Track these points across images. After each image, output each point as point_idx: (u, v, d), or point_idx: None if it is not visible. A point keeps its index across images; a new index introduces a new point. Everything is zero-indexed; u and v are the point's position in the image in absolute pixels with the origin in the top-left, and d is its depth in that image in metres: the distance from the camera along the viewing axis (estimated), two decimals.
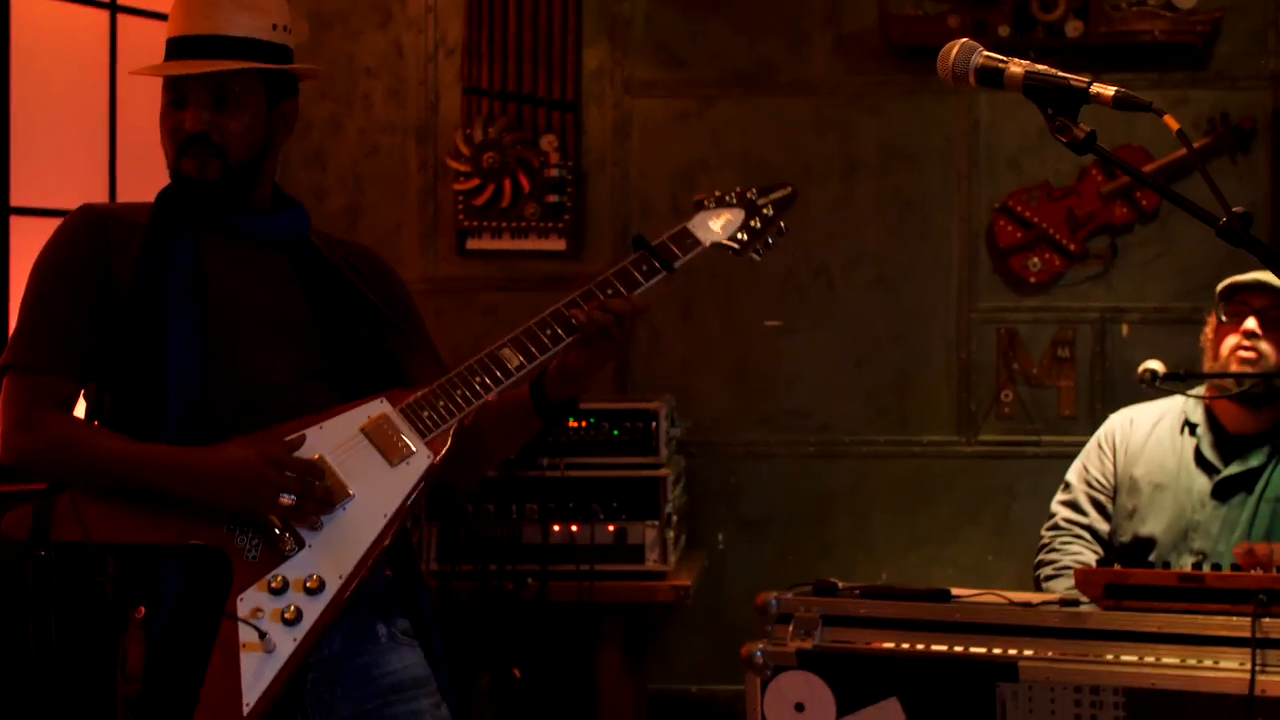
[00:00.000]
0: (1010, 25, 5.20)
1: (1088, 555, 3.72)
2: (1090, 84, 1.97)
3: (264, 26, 2.68)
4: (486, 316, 5.38)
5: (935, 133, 5.40)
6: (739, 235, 2.78)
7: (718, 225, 2.77)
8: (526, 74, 5.39)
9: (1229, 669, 2.85)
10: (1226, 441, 3.71)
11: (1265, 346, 3.61)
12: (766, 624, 3.19)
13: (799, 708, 3.10)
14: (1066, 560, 3.73)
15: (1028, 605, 3.10)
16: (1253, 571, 3.01)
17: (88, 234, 2.64)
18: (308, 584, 2.49)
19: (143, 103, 4.86)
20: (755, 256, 2.79)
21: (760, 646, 3.14)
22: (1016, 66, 2.06)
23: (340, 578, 2.50)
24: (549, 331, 2.61)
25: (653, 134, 5.47)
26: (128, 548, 2.47)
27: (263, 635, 2.42)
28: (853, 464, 5.42)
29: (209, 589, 2.47)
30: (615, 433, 4.65)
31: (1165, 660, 2.91)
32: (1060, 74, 2.01)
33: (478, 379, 2.60)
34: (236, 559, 2.48)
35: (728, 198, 2.81)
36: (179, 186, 2.68)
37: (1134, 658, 2.93)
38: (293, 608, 2.46)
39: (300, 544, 2.51)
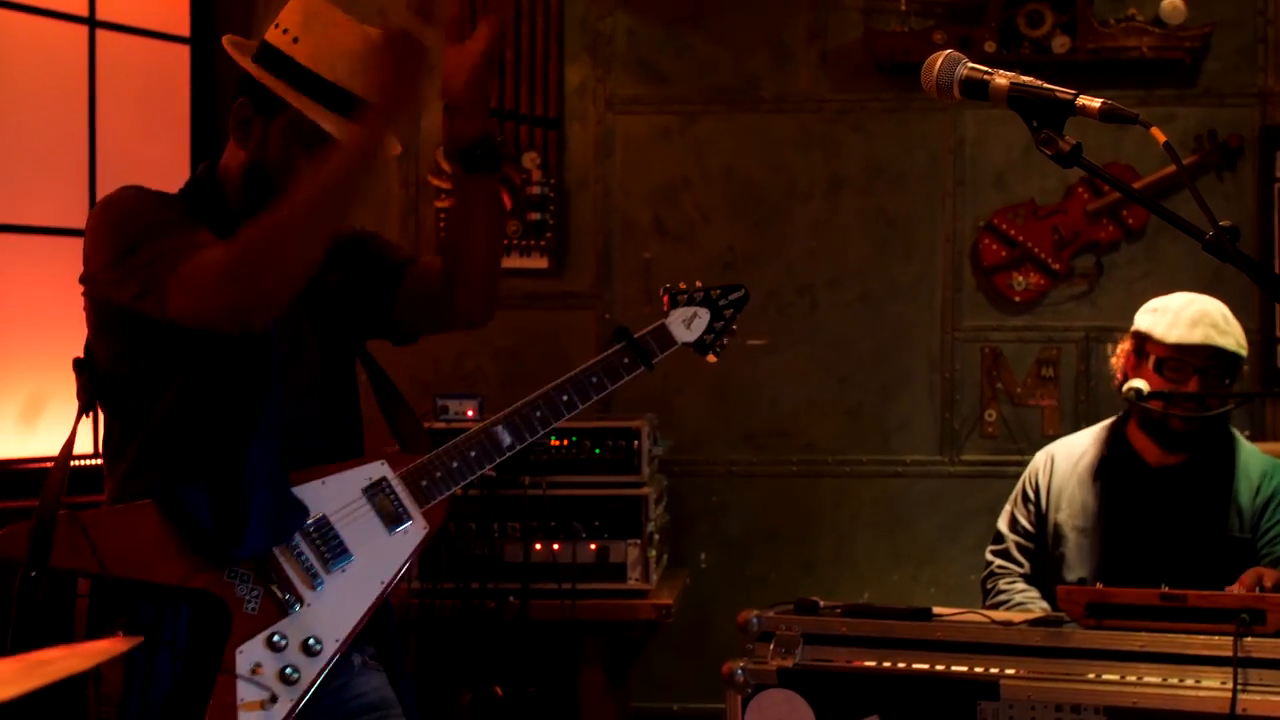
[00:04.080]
0: (996, 41, 5.19)
1: (1034, 593, 3.71)
2: (1076, 96, 1.95)
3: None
4: (469, 335, 5.33)
5: (920, 150, 5.39)
6: (705, 336, 3.02)
7: (690, 325, 3.01)
8: (508, 90, 5.37)
9: (1211, 688, 2.84)
10: (1147, 477, 3.68)
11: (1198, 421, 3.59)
12: (748, 642, 3.17)
13: None
14: (1018, 598, 3.71)
15: (1009, 624, 3.08)
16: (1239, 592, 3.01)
17: (164, 196, 2.59)
18: (307, 644, 2.51)
19: (122, 119, 4.84)
20: (714, 356, 3.05)
21: (741, 665, 3.12)
22: (1002, 78, 2.04)
23: (336, 641, 2.54)
24: (539, 414, 2.75)
25: (635, 151, 5.45)
26: (130, 583, 2.45)
27: (274, 698, 2.45)
28: (835, 483, 5.39)
29: (208, 638, 2.47)
30: (597, 451, 4.62)
31: (1147, 679, 2.89)
32: (1046, 85, 1.99)
33: (473, 454, 2.70)
34: (236, 609, 2.48)
35: (696, 295, 3.02)
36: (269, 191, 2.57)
37: (1116, 676, 2.91)
38: (292, 668, 2.49)
39: (300, 600, 2.52)
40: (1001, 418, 5.34)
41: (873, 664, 3.06)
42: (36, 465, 4.61)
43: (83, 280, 2.57)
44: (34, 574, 2.40)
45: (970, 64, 2.09)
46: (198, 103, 5.15)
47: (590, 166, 5.44)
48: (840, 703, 3.04)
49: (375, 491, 2.64)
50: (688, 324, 3.00)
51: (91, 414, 2.61)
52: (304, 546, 2.56)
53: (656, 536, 4.71)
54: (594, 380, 2.80)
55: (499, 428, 2.72)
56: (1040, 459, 3.86)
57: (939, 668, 3.02)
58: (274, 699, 2.46)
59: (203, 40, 5.15)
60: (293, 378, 2.61)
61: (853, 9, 5.36)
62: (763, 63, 5.43)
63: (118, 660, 2.44)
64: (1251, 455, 3.69)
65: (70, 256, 4.62)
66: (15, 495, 4.49)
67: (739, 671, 3.10)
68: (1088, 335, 5.32)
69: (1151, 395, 3.56)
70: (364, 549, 2.60)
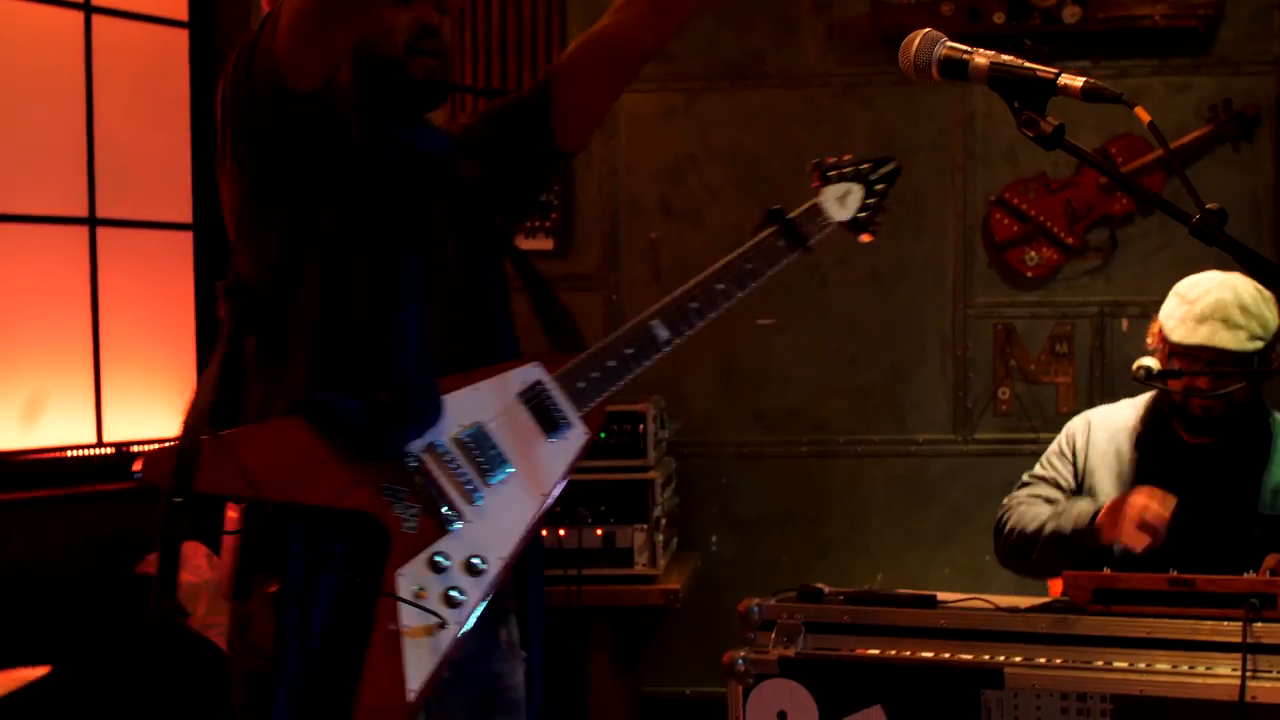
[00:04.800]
0: (1005, 12, 5.10)
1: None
2: (1058, 75, 1.88)
3: None
4: None
5: (929, 124, 5.31)
6: (859, 214, 2.81)
7: (843, 202, 2.80)
8: (511, 69, 5.31)
9: (1219, 675, 2.76)
10: (1183, 452, 3.62)
11: (1216, 402, 3.51)
12: (749, 631, 3.11)
13: (781, 716, 3.02)
14: (1055, 508, 3.62)
15: (1015, 610, 3.01)
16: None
17: None
18: (470, 563, 2.33)
19: (120, 106, 4.80)
20: (869, 236, 2.83)
21: (742, 654, 3.06)
22: (981, 57, 1.97)
23: (500, 559, 2.36)
24: (695, 305, 2.58)
25: (640, 129, 5.38)
26: (281, 506, 2.27)
27: (441, 624, 2.27)
28: (847, 464, 5.33)
29: (367, 560, 2.30)
30: (602, 435, 4.55)
31: (1154, 666, 2.82)
32: (1027, 65, 1.92)
33: (629, 350, 2.52)
34: (394, 528, 2.30)
35: (846, 170, 2.82)
36: (402, 87, 2.49)
37: (1123, 663, 2.84)
38: (457, 589, 2.31)
39: (459, 516, 2.35)
40: (1015, 395, 5.26)
41: (876, 652, 3.00)
42: (39, 456, 4.59)
43: (217, 160, 2.44)
44: (180, 500, 2.20)
45: (949, 43, 2.02)
46: (197, 88, 5.09)
47: (595, 145, 5.36)
48: (842, 692, 2.98)
49: (531, 396, 2.45)
50: (841, 201, 2.79)
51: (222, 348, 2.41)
52: (460, 458, 2.37)
53: (664, 521, 4.65)
54: (749, 267, 2.62)
55: (654, 321, 2.55)
56: (1078, 423, 3.78)
57: (943, 656, 2.96)
58: (441, 624, 2.28)
59: (202, 24, 5.09)
60: (438, 287, 2.45)
61: None
62: (767, 38, 5.35)
63: (264, 601, 2.30)
64: None
65: (72, 246, 4.68)
66: (17, 487, 4.47)
67: (740, 661, 3.04)
68: (1102, 310, 5.23)
69: (1161, 374, 3.48)
70: (523, 459, 2.41)
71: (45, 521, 4.45)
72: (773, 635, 3.08)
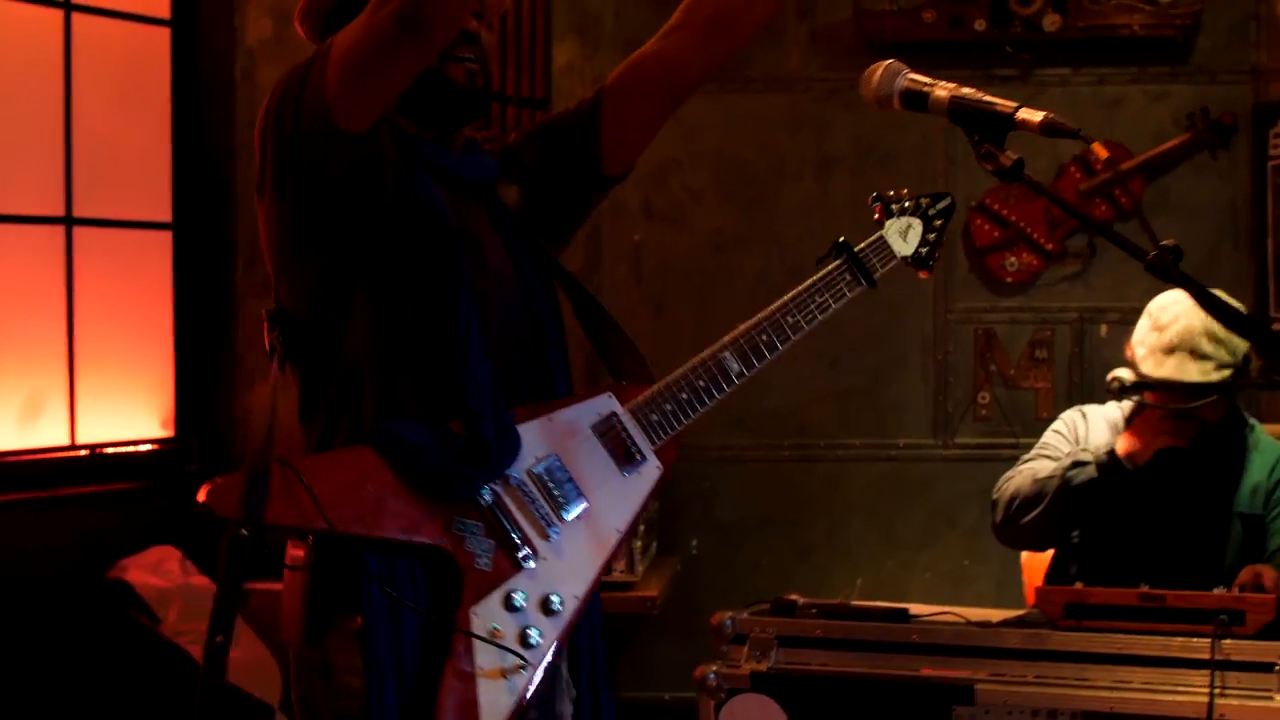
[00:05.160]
0: (986, 19, 5.11)
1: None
2: (1016, 110, 1.88)
3: None
4: None
5: (911, 130, 5.30)
6: (920, 250, 2.81)
7: (905, 237, 2.79)
8: (495, 72, 5.28)
9: (1188, 691, 2.78)
10: (1164, 454, 3.63)
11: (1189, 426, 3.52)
12: (721, 644, 3.12)
13: None
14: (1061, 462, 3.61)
15: (986, 625, 3.02)
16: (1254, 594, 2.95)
17: None
18: (546, 603, 2.24)
19: (100, 104, 4.78)
20: (927, 272, 2.83)
21: (714, 669, 3.06)
22: (942, 90, 1.98)
23: (576, 598, 2.26)
24: (765, 338, 2.54)
25: None
26: (352, 538, 2.15)
27: (518, 666, 2.18)
28: (828, 468, 5.33)
29: (439, 597, 2.20)
30: None
31: (1124, 682, 2.83)
32: (986, 99, 1.92)
33: (701, 383, 2.45)
34: (467, 565, 2.20)
35: (907, 205, 2.82)
36: (441, 95, 2.39)
37: (1093, 680, 2.85)
38: (532, 629, 2.22)
39: (534, 553, 2.25)
40: (995, 400, 5.27)
41: (847, 668, 3.01)
42: (11, 460, 4.57)
43: (257, 187, 2.35)
44: (246, 532, 2.07)
45: (910, 75, 2.03)
46: (179, 86, 5.07)
47: None
48: (814, 708, 2.99)
49: (605, 428, 2.36)
50: (903, 235, 2.77)
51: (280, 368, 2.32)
52: (535, 491, 2.28)
53: (642, 526, 4.65)
54: (818, 300, 2.59)
55: (726, 353, 2.48)
56: (1073, 414, 3.78)
57: (915, 671, 2.96)
58: (518, 667, 2.18)
59: (184, 22, 5.07)
60: (494, 315, 2.35)
61: None
62: (752, 42, 5.33)
63: (345, 640, 2.19)
64: (1269, 439, 3.64)
65: (47, 246, 4.66)
66: (13, 489, 4.44)
67: (711, 676, 3.04)
68: (1081, 316, 5.24)
69: (1134, 386, 3.49)
70: (597, 493, 2.32)
71: (17, 525, 4.41)
72: (745, 649, 3.08)
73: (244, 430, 5.07)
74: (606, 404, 2.39)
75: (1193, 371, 3.41)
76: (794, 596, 3.23)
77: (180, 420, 5.03)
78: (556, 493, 2.30)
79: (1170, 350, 3.45)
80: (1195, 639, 2.82)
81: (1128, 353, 3.65)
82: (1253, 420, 3.69)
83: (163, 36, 5.05)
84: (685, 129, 5.35)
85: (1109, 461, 3.45)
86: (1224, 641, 2.79)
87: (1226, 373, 3.44)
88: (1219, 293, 3.52)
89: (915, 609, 3.15)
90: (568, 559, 2.28)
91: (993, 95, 4.61)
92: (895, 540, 5.31)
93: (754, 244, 5.34)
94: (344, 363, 2.28)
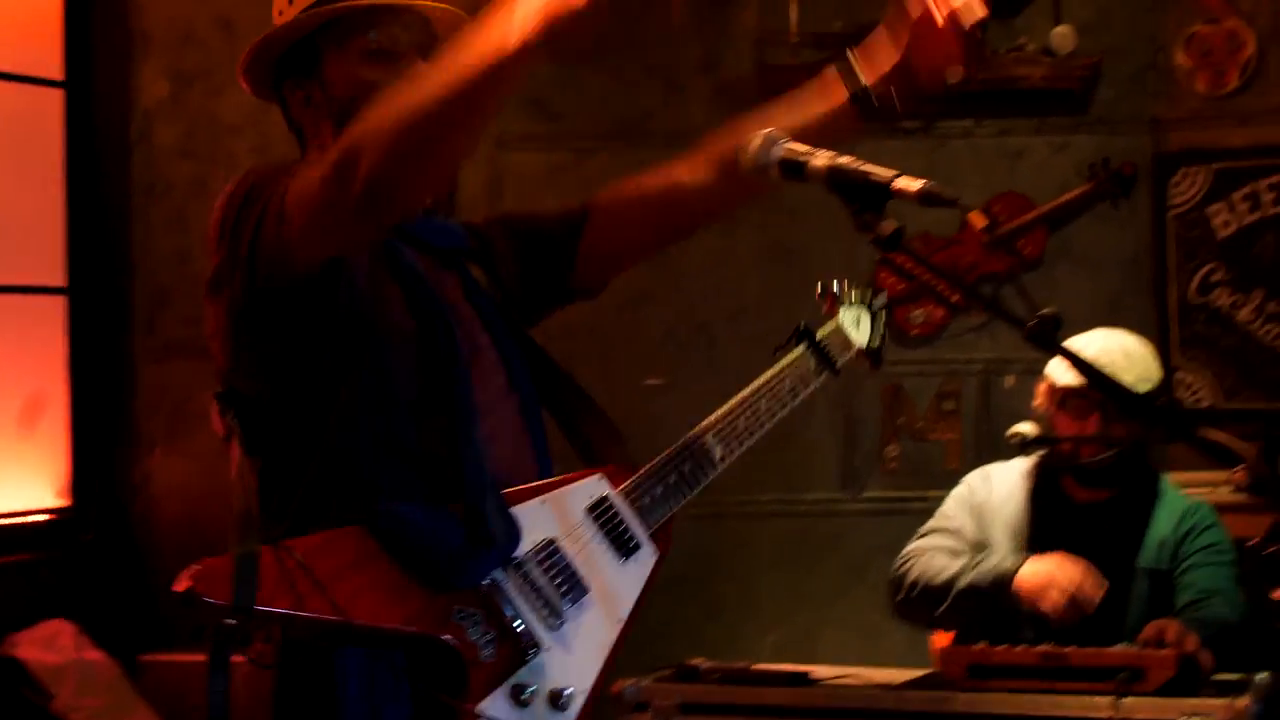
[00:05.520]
0: None
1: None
2: (894, 179, 1.87)
3: None
4: None
5: (815, 183, 5.30)
6: (872, 343, 2.82)
7: (858, 327, 2.81)
8: None
9: None
10: (1072, 513, 3.63)
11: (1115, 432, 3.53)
12: (623, 714, 3.07)
13: None
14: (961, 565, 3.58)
15: (889, 688, 3.00)
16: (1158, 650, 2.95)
17: None
18: (556, 697, 2.11)
19: None
20: (878, 367, 2.87)
21: None
22: (820, 159, 1.97)
23: (584, 692, 2.14)
24: (743, 422, 2.54)
25: (527, 190, 5.33)
26: (338, 626, 1.98)
27: None
28: (736, 524, 5.29)
29: (433, 695, 2.05)
30: None
31: None
32: (864, 168, 1.91)
33: (686, 467, 2.44)
34: (470, 657, 2.04)
35: (853, 297, 2.83)
36: None
37: None
38: None
39: (538, 644, 2.12)
40: (903, 453, 5.27)
41: None
42: None
43: (209, 286, 2.21)
44: (235, 621, 1.91)
45: (788, 144, 2.01)
46: (73, 149, 4.99)
47: (481, 208, 5.28)
48: None
49: (600, 513, 2.27)
50: (856, 326, 2.80)
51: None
52: (539, 578, 2.15)
53: None
54: (789, 386, 2.62)
55: (708, 438, 2.47)
56: (976, 477, 3.80)
57: None
58: None
59: (78, 84, 5.00)
60: (482, 390, 2.25)
61: (744, 41, 5.29)
62: (655, 97, 5.34)
63: None
64: (1175, 494, 3.65)
65: None
66: None
67: None
68: (987, 367, 5.26)
69: (1036, 441, 3.50)
70: (598, 581, 2.21)
71: None
72: (648, 718, 3.04)
73: (144, 498, 4.98)
74: (599, 486, 2.30)
75: (1119, 372, 3.44)
76: (698, 661, 3.20)
77: (77, 489, 4.92)
78: (558, 580, 2.18)
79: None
80: (1098, 697, 2.82)
81: (1038, 398, 3.66)
82: (1163, 476, 3.70)
83: (55, 98, 4.97)
84: (589, 185, 5.22)
85: (1007, 588, 3.39)
86: (1124, 700, 2.79)
87: (1148, 385, 3.49)
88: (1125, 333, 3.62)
89: (819, 671, 3.14)
90: (575, 650, 2.16)
91: (895, 147, 4.63)
92: (806, 596, 5.28)
93: (661, 300, 5.32)
94: (328, 445, 2.14)
